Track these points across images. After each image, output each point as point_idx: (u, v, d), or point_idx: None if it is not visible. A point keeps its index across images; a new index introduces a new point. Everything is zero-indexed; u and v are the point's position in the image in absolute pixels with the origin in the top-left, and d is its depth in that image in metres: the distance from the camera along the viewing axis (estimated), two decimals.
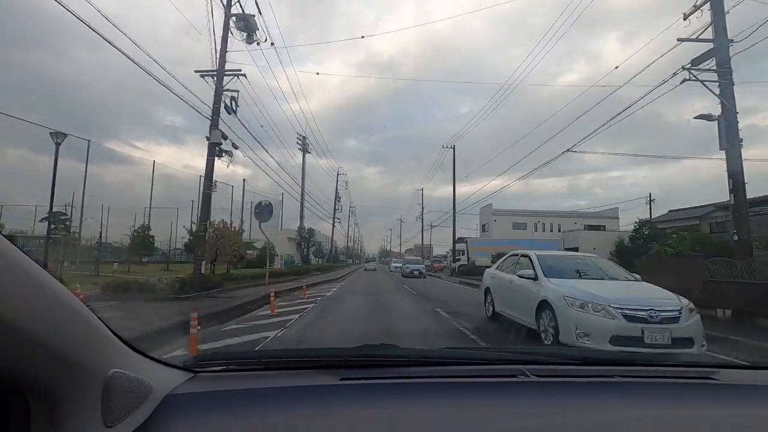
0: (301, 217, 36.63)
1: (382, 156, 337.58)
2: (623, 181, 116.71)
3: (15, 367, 0.60)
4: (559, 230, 46.72)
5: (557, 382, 1.16)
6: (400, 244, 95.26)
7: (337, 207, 49.73)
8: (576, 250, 35.13)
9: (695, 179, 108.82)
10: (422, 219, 56.95)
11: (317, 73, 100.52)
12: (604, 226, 42.98)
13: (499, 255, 31.66)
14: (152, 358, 1.00)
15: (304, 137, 37.51)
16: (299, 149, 37.45)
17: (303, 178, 36.44)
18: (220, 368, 1.18)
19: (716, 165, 17.79)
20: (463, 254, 39.30)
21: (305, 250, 37.14)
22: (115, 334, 0.84)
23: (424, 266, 34.61)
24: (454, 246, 38.26)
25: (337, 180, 51.38)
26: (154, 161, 36.34)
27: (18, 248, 0.61)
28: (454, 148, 34.51)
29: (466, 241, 42.48)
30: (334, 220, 49.50)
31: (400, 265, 38.13)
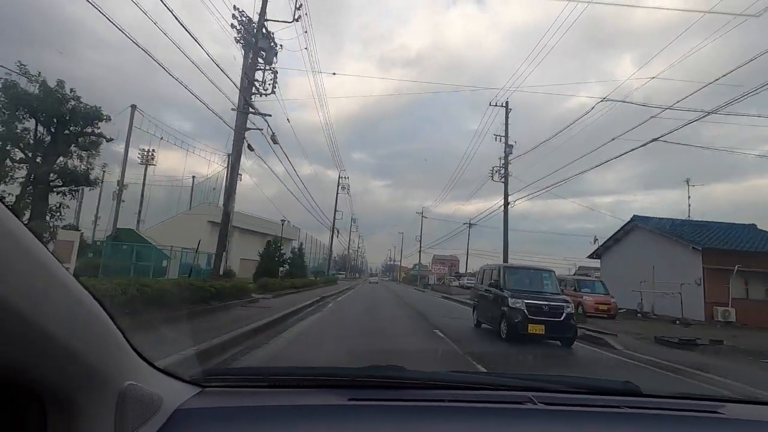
0: (232, 175, 14.14)
1: (389, 169, 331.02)
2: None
3: (34, 369, 0.58)
4: None
5: (564, 410, 1.16)
6: (420, 250, 62.46)
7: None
8: None
9: None
10: (506, 160, 21.83)
11: (333, 73, 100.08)
12: None
13: None
14: (162, 371, 0.99)
15: (245, 17, 13.41)
16: (237, 40, 13.41)
17: (240, 97, 13.09)
18: (228, 384, 1.18)
19: None
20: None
21: None
22: (129, 343, 0.83)
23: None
24: None
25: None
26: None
27: (44, 245, 0.59)
28: None
29: None
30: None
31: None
